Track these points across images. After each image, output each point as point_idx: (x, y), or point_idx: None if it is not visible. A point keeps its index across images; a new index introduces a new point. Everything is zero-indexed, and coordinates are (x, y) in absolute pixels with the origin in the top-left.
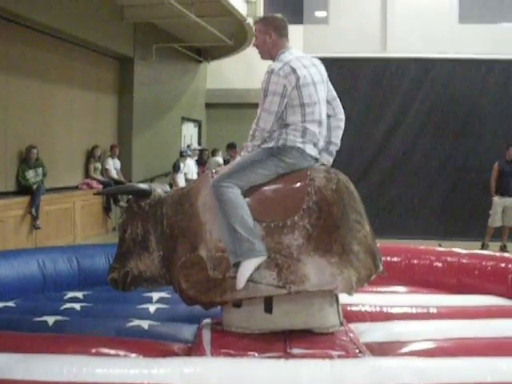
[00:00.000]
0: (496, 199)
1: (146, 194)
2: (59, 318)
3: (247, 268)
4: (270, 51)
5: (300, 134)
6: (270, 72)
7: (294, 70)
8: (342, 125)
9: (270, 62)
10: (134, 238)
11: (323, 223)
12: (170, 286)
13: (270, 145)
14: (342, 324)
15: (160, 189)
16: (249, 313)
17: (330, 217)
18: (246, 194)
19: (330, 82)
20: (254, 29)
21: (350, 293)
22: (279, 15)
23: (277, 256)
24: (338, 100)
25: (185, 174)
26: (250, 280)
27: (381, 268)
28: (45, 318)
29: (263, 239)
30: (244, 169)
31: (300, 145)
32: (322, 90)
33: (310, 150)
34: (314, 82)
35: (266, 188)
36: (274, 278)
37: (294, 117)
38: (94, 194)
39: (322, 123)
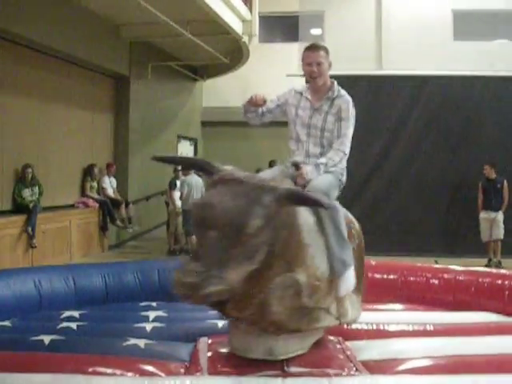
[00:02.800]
0: (481, 215)
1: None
2: (55, 337)
3: (351, 277)
4: (327, 78)
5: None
6: (349, 102)
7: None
8: None
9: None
10: (259, 245)
11: (359, 265)
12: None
13: (340, 177)
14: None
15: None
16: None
17: (362, 261)
18: None
19: None
20: (317, 55)
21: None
22: None
23: None
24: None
25: (189, 191)
26: (328, 311)
27: None
28: (41, 337)
29: None
30: (331, 189)
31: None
32: None
33: None
34: None
35: None
36: (336, 311)
37: None
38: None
39: None
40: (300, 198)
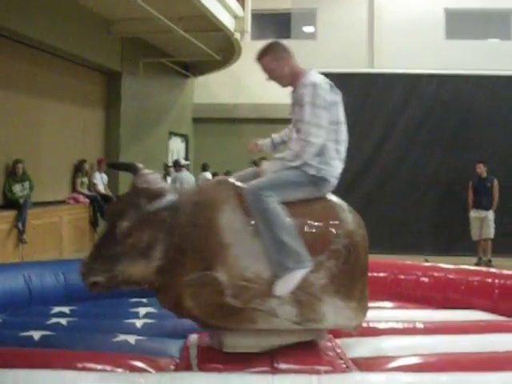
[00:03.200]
0: (471, 213)
1: (158, 194)
2: (45, 332)
3: (294, 280)
4: (289, 75)
5: (335, 163)
6: (310, 85)
7: (332, 86)
8: None
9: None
10: (135, 244)
11: (349, 268)
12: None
13: (311, 172)
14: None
15: (171, 191)
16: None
17: (358, 263)
18: None
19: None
20: (262, 65)
21: (356, 332)
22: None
23: (299, 292)
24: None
25: (181, 186)
26: (273, 314)
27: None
28: (31, 332)
29: None
30: (285, 186)
31: (334, 180)
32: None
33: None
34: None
35: (297, 223)
36: (294, 315)
37: (329, 136)
38: (108, 166)
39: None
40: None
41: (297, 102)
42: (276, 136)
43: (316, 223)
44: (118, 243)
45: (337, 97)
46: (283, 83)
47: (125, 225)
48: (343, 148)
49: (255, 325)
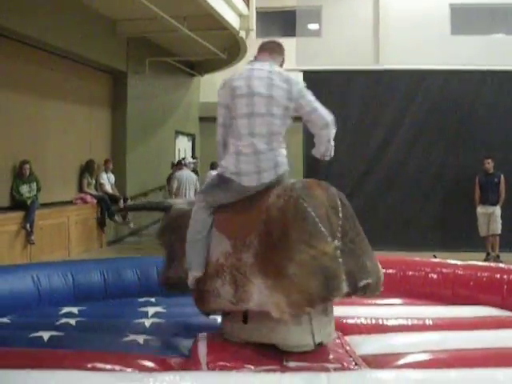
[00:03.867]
0: (478, 209)
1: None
2: (54, 333)
3: (190, 277)
4: None
5: (234, 159)
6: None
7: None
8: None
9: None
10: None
11: (265, 242)
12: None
13: (219, 171)
14: (320, 344)
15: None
16: (233, 323)
17: (270, 237)
18: (224, 214)
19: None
20: None
21: (282, 317)
22: None
23: (236, 273)
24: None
25: (179, 185)
26: (217, 294)
27: (342, 290)
28: (40, 333)
29: (229, 256)
30: (211, 188)
31: (234, 177)
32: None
33: (248, 181)
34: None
35: (236, 205)
36: (231, 295)
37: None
38: (117, 211)
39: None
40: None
41: None
42: None
43: (252, 204)
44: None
45: (235, 89)
46: None
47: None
48: (239, 144)
49: (208, 305)
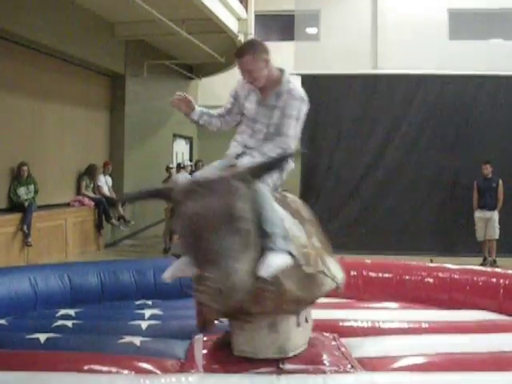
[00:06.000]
0: (476, 214)
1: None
2: (51, 335)
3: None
4: (267, 76)
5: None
6: (299, 98)
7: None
8: None
9: None
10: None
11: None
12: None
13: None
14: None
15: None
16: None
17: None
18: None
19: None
20: (242, 62)
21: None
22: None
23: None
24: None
25: None
26: (329, 274)
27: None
28: (37, 335)
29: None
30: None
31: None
32: None
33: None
34: None
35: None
36: (328, 271)
37: None
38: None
39: None
40: (262, 166)
41: (277, 107)
42: (203, 108)
43: None
44: (237, 234)
45: None
46: (258, 84)
47: (242, 205)
48: None
49: (325, 286)
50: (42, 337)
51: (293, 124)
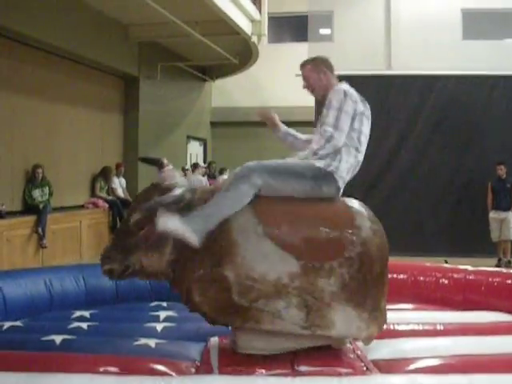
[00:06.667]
0: (491, 214)
1: (168, 189)
2: (66, 336)
3: (175, 224)
4: (324, 87)
5: (346, 166)
6: (335, 91)
7: (363, 101)
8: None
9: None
10: (147, 236)
11: (362, 277)
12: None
13: (319, 164)
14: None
15: (188, 190)
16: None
17: (371, 273)
18: (289, 229)
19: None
20: (303, 73)
21: (367, 344)
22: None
23: (308, 297)
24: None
25: None
26: (278, 316)
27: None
28: (52, 337)
29: (296, 277)
30: (286, 172)
31: (340, 181)
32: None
33: (342, 185)
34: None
35: (309, 225)
36: (301, 319)
37: (348, 141)
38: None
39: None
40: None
41: (325, 106)
42: (291, 130)
43: (331, 227)
44: (131, 235)
45: (365, 110)
46: (316, 94)
47: (136, 216)
48: (360, 158)
49: (260, 325)
50: (58, 338)
51: (333, 113)
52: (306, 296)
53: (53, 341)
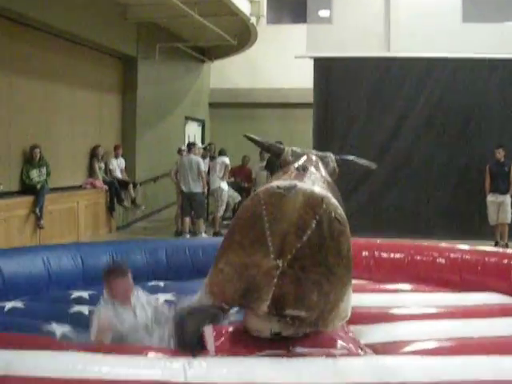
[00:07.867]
0: (488, 198)
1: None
2: (67, 328)
3: None
4: None
5: None
6: None
7: None
8: None
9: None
10: None
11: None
12: None
13: None
14: None
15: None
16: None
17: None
18: None
19: None
20: None
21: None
22: None
23: None
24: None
25: (176, 170)
26: None
27: (260, 307)
28: (53, 327)
29: None
30: None
31: None
32: None
33: None
34: None
35: None
36: None
37: None
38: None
39: None
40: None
41: None
42: None
43: None
44: None
45: None
46: None
47: None
48: None
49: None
50: (58, 330)
51: None
52: None
53: (53, 333)
